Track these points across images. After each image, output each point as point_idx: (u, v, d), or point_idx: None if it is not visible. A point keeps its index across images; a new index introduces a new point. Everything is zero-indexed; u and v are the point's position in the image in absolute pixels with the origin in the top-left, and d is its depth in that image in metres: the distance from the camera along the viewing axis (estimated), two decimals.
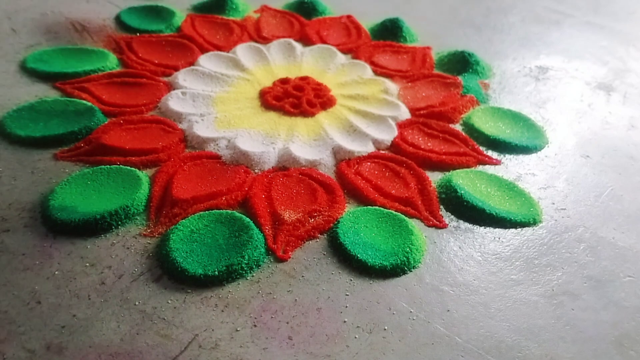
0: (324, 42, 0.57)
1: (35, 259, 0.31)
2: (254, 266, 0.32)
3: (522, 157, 0.44)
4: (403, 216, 0.36)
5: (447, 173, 0.41)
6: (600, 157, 0.45)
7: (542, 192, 0.40)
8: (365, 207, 0.37)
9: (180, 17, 0.58)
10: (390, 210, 0.37)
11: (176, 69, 0.50)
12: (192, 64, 0.51)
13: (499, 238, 0.36)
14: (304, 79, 0.50)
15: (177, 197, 0.35)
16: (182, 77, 0.48)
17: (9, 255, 0.31)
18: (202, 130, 0.42)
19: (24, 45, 0.50)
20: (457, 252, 0.35)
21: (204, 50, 0.53)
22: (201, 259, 0.31)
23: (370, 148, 0.43)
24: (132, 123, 0.42)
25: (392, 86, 0.51)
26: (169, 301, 0.29)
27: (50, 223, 0.33)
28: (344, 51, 0.56)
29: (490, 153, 0.44)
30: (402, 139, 0.44)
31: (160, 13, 0.57)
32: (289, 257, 0.33)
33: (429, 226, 0.36)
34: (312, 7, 0.63)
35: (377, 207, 0.37)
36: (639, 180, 0.43)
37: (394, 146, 0.43)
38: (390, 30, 0.61)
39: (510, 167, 0.43)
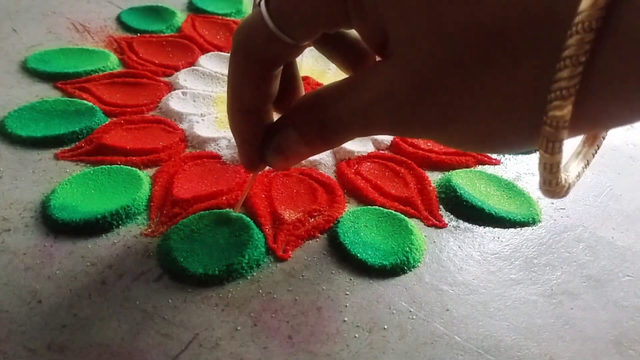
0: None
1: (36, 258, 0.31)
2: (254, 266, 0.32)
3: (521, 157, 0.44)
4: (403, 216, 0.36)
5: (446, 173, 0.41)
6: (600, 157, 0.45)
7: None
8: (365, 207, 0.37)
9: (181, 17, 0.58)
10: (390, 210, 0.37)
11: (177, 69, 0.50)
12: (192, 64, 0.51)
13: (499, 237, 0.36)
14: (304, 79, 0.50)
15: (177, 196, 0.35)
16: (183, 77, 0.49)
17: (9, 255, 0.31)
18: (202, 130, 0.42)
19: (24, 46, 0.50)
20: (456, 251, 0.35)
21: (204, 51, 0.53)
22: (202, 258, 0.31)
23: (370, 148, 0.43)
24: (133, 123, 0.42)
25: None
26: (170, 300, 0.29)
27: (51, 223, 0.33)
28: None
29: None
30: (402, 139, 0.44)
31: (160, 13, 0.57)
32: (289, 257, 0.33)
33: (428, 226, 0.36)
34: None
35: (377, 207, 0.37)
36: (638, 180, 0.43)
37: (393, 146, 0.43)
38: None
39: (509, 166, 0.43)
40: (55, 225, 0.33)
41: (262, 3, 0.19)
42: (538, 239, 0.36)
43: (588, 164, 0.20)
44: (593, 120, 0.15)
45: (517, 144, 0.18)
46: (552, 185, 0.17)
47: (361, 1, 0.17)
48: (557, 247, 0.36)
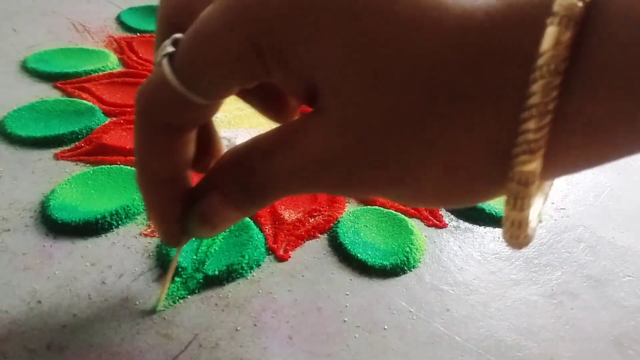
0: None
1: (36, 258, 0.31)
2: (254, 266, 0.32)
3: None
4: (403, 216, 0.36)
5: None
6: None
7: None
8: (365, 207, 0.37)
9: None
10: (390, 210, 0.37)
11: None
12: None
13: (499, 237, 0.36)
14: None
15: None
16: None
17: (9, 255, 0.31)
18: None
19: (24, 45, 0.50)
20: (456, 251, 0.35)
21: None
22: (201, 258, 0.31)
23: None
24: (133, 123, 0.42)
25: None
26: (170, 301, 0.29)
27: (50, 223, 0.33)
28: None
29: None
30: None
31: None
32: (289, 257, 0.33)
33: (428, 226, 0.36)
34: None
35: (377, 207, 0.37)
36: (638, 180, 0.43)
37: None
38: None
39: None
40: (54, 225, 0.33)
41: (165, 62, 0.17)
42: (538, 239, 0.36)
43: (547, 198, 0.19)
44: (562, 169, 0.14)
45: (477, 200, 0.16)
46: (520, 238, 0.15)
47: (282, 52, 0.15)
48: (557, 247, 0.36)
